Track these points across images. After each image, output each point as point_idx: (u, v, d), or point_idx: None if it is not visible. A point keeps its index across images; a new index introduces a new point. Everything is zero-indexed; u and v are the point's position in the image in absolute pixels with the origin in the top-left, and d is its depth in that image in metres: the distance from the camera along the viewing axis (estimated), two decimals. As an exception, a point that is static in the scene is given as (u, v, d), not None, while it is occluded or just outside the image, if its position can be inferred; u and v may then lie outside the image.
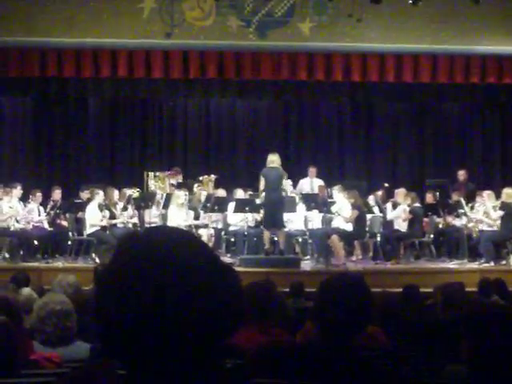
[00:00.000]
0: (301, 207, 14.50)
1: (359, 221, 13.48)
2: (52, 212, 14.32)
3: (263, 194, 13.29)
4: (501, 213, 13.31)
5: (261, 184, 13.20)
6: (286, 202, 13.78)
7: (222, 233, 14.56)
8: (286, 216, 13.85)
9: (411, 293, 8.15)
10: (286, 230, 13.90)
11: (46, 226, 14.29)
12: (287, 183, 14.56)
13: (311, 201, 14.25)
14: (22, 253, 13.36)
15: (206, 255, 1.41)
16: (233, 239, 14.49)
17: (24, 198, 14.18)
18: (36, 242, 13.77)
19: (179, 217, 13.67)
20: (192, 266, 1.36)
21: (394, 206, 14.66)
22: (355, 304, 2.89)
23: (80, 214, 14.05)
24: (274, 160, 13.01)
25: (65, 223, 14.49)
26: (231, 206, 14.20)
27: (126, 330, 1.33)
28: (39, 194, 14.44)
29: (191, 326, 1.32)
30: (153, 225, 11.56)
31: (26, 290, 6.32)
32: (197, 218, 14.29)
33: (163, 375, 1.35)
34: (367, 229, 14.21)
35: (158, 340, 1.32)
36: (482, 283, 8.56)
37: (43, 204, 14.49)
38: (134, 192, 14.39)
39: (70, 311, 4.68)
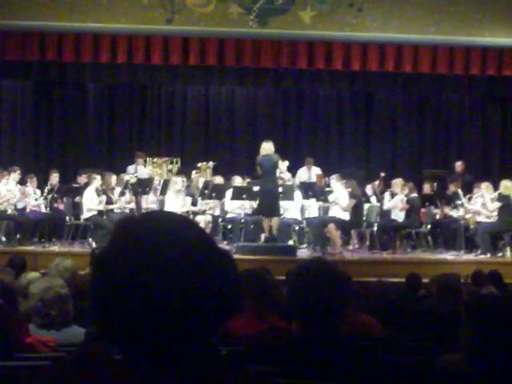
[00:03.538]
0: (298, 195, 14.45)
1: (356, 210, 13.47)
2: (49, 196, 14.32)
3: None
4: (498, 204, 13.32)
5: (259, 172, 13.18)
6: (284, 190, 13.74)
7: (219, 220, 14.54)
8: (283, 204, 13.82)
9: (413, 282, 8.18)
10: (282, 217, 13.89)
11: (43, 209, 14.28)
12: (285, 170, 14.37)
13: (308, 189, 14.23)
14: (18, 236, 13.35)
15: (203, 240, 1.41)
16: (230, 226, 14.47)
17: (22, 182, 14.15)
18: (33, 226, 13.77)
19: (176, 203, 13.67)
20: (189, 250, 1.36)
21: (392, 195, 14.66)
22: (324, 290, 2.85)
23: (77, 199, 14.04)
24: (265, 148, 12.99)
25: (62, 207, 14.51)
26: (229, 193, 14.17)
27: (122, 313, 1.33)
28: (35, 179, 14.40)
29: (187, 310, 1.32)
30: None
31: (33, 274, 6.25)
32: (194, 204, 14.28)
33: (158, 360, 1.35)
34: (364, 218, 14.22)
35: (153, 324, 1.32)
36: (475, 275, 8.57)
37: (41, 188, 14.48)
38: (131, 177, 14.38)
39: (69, 295, 4.71)
